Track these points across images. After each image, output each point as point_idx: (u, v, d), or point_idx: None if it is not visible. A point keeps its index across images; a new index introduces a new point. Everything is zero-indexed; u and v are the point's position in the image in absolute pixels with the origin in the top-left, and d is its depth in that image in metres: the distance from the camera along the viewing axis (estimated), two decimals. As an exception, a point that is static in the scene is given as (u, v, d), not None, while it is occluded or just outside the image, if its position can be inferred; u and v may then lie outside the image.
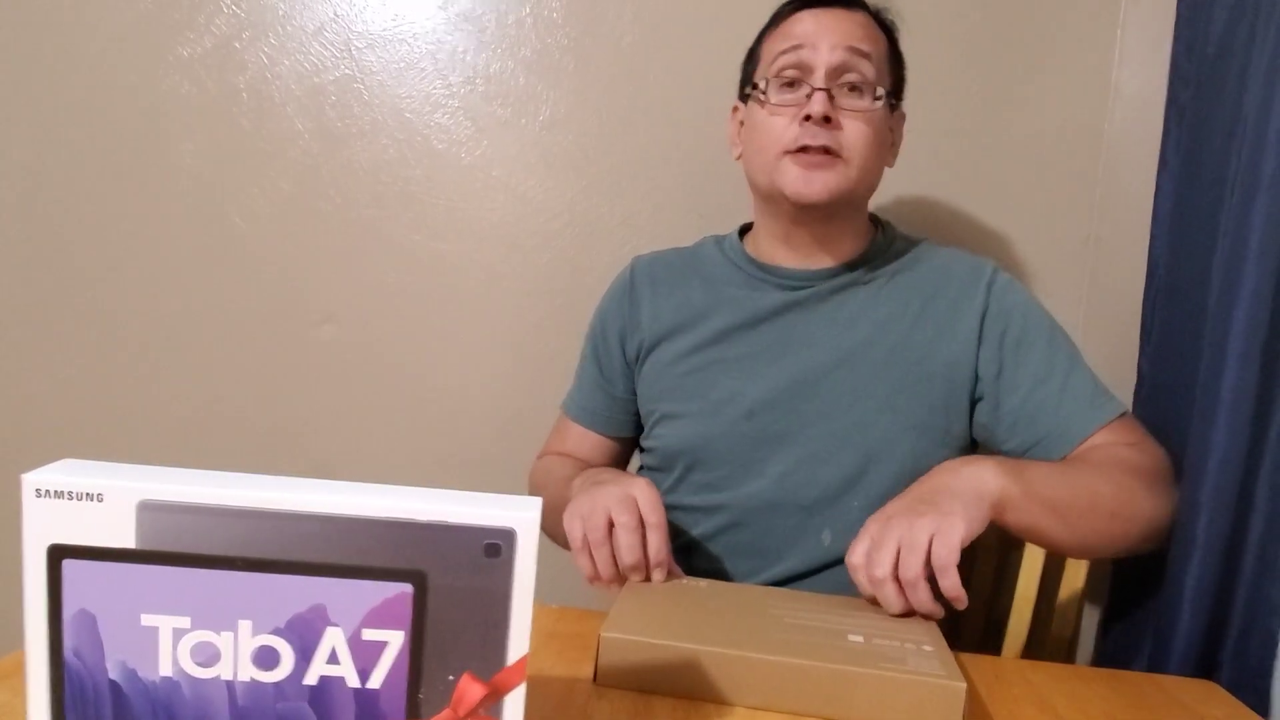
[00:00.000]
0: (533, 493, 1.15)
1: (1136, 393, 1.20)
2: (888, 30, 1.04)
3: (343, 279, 1.42)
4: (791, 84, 0.98)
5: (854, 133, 0.97)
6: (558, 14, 1.35)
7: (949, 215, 1.32)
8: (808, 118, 0.95)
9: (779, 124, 0.98)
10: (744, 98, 1.07)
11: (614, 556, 0.84)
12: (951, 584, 0.77)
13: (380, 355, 1.44)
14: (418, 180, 1.40)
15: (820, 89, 0.95)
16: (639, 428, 1.15)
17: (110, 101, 1.40)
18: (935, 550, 0.77)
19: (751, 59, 1.07)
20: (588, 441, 1.16)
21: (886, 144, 1.03)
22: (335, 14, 1.37)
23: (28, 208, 1.43)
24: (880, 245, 1.07)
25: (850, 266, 1.05)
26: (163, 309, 1.44)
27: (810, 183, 0.97)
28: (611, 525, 0.83)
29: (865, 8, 1.02)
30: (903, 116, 1.07)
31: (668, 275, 1.11)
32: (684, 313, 1.07)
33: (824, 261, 1.04)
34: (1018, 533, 0.86)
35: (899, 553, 0.78)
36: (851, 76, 0.97)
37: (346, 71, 1.38)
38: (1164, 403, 1.03)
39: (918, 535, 0.77)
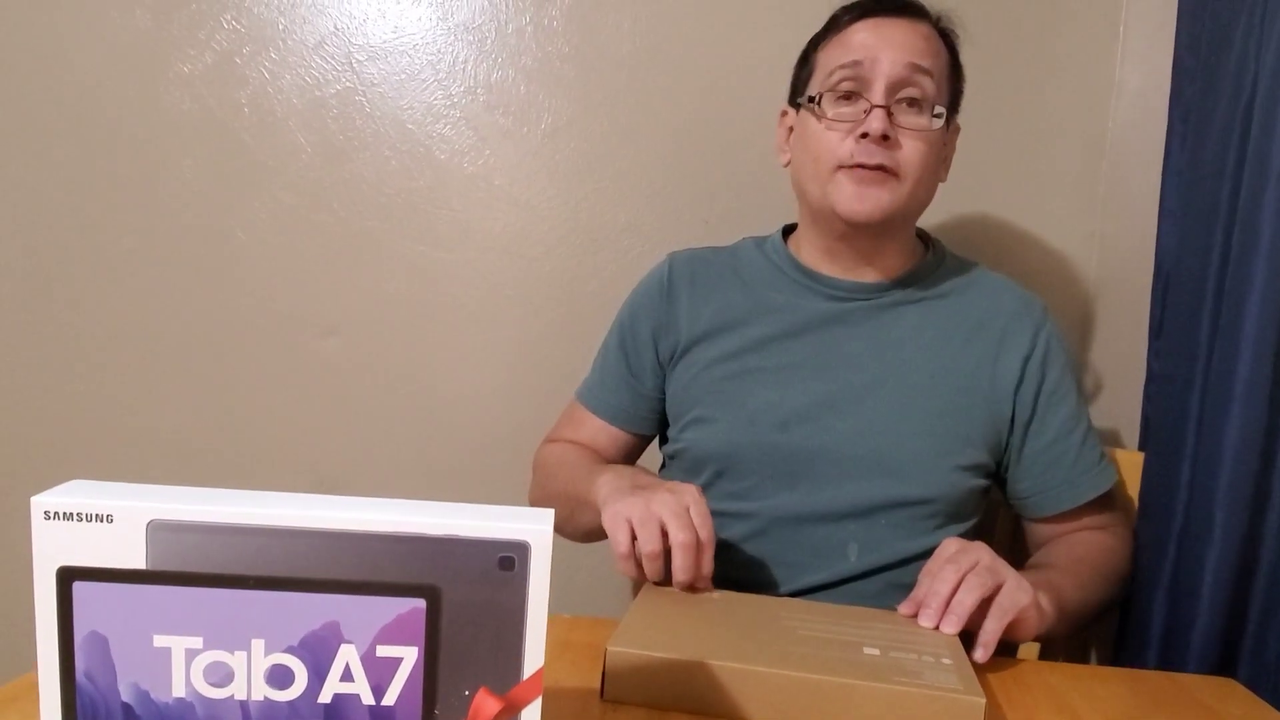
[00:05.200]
0: (539, 477, 1.14)
1: (1146, 389, 1.19)
2: (950, 42, 1.01)
3: (346, 291, 1.42)
4: (848, 96, 0.96)
5: (911, 151, 0.95)
6: (558, 22, 1.35)
7: (955, 213, 1.32)
8: (865, 135, 0.94)
9: (834, 138, 0.97)
10: (795, 104, 1.04)
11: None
12: (994, 630, 0.79)
13: (385, 367, 1.43)
14: (420, 191, 1.40)
15: (879, 106, 0.93)
16: (659, 425, 1.13)
17: (112, 119, 1.40)
18: (1004, 594, 0.81)
19: (805, 64, 1.04)
20: (604, 435, 1.13)
21: (942, 161, 1.01)
22: (335, 27, 1.37)
23: (30, 225, 1.43)
24: (930, 264, 1.06)
25: (898, 283, 1.04)
26: (166, 324, 1.44)
27: (863, 200, 0.96)
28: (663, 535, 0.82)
29: (928, 18, 0.99)
30: (957, 130, 1.04)
31: (707, 275, 1.09)
32: (723, 316, 1.05)
33: (869, 275, 1.03)
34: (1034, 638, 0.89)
35: (970, 571, 0.81)
36: (911, 92, 0.95)
37: (348, 84, 1.38)
38: (1175, 398, 1.03)
39: (998, 571, 0.82)
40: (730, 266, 1.09)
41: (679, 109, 1.35)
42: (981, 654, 0.79)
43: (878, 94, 0.94)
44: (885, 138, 0.93)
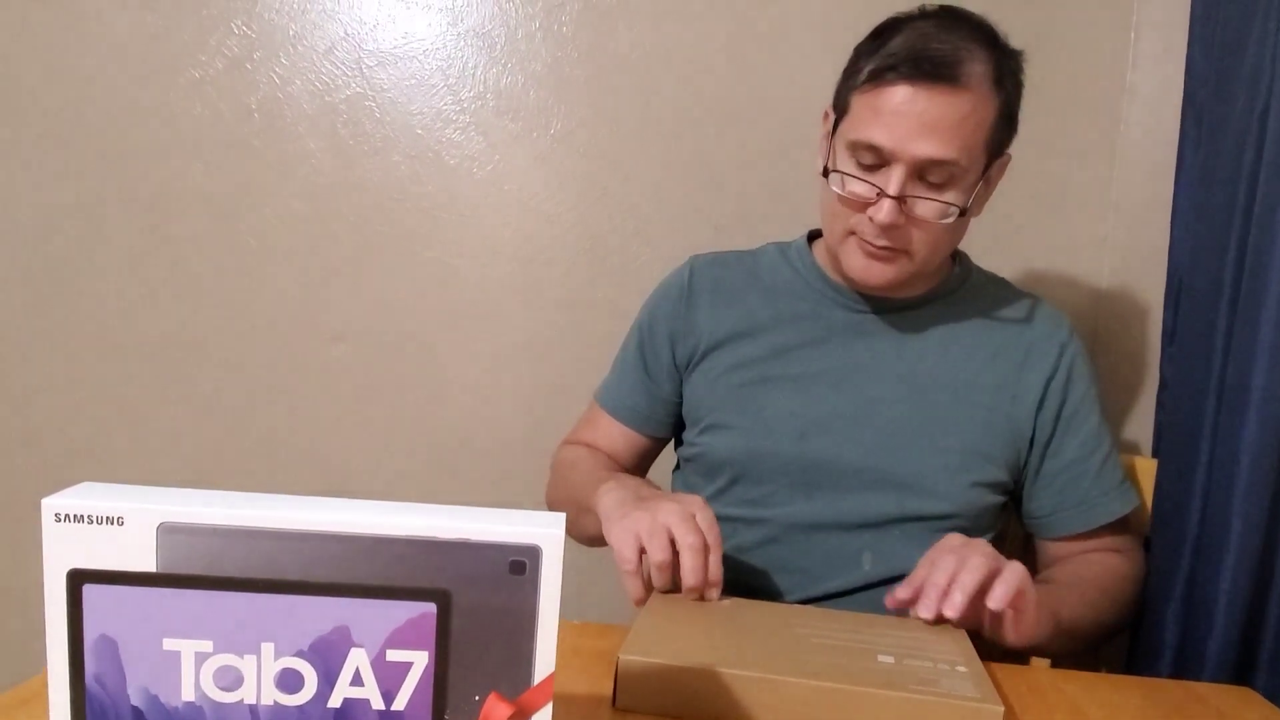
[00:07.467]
0: (553, 478, 1.15)
1: (1159, 395, 1.18)
2: (1005, 84, 0.93)
3: (355, 296, 1.42)
4: (869, 167, 0.92)
5: (920, 233, 0.93)
6: (567, 28, 1.35)
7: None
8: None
9: (847, 210, 0.95)
10: (838, 109, 0.99)
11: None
12: (970, 582, 0.78)
13: (393, 372, 1.43)
14: (430, 196, 1.40)
15: (891, 197, 0.90)
16: (675, 428, 1.13)
17: (122, 124, 1.41)
18: (1004, 578, 0.79)
19: (846, 87, 0.96)
20: (621, 436, 1.12)
21: (961, 226, 0.97)
22: (346, 33, 1.38)
23: (41, 230, 1.44)
24: (956, 278, 1.05)
25: (923, 298, 1.03)
26: (176, 329, 1.44)
27: (871, 271, 0.96)
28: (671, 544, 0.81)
29: (974, 84, 0.89)
30: (1006, 160, 0.99)
31: (729, 280, 1.08)
32: (744, 322, 1.04)
33: (894, 291, 1.02)
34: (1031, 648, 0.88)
35: (966, 562, 0.80)
36: (932, 177, 0.91)
37: (358, 90, 1.38)
38: (1188, 404, 1.02)
39: (1000, 560, 0.81)
40: (752, 272, 1.08)
41: (688, 114, 1.35)
42: (952, 606, 0.78)
43: (893, 183, 0.90)
44: (895, 225, 0.91)
